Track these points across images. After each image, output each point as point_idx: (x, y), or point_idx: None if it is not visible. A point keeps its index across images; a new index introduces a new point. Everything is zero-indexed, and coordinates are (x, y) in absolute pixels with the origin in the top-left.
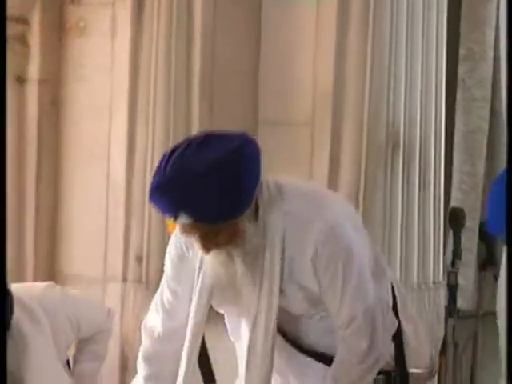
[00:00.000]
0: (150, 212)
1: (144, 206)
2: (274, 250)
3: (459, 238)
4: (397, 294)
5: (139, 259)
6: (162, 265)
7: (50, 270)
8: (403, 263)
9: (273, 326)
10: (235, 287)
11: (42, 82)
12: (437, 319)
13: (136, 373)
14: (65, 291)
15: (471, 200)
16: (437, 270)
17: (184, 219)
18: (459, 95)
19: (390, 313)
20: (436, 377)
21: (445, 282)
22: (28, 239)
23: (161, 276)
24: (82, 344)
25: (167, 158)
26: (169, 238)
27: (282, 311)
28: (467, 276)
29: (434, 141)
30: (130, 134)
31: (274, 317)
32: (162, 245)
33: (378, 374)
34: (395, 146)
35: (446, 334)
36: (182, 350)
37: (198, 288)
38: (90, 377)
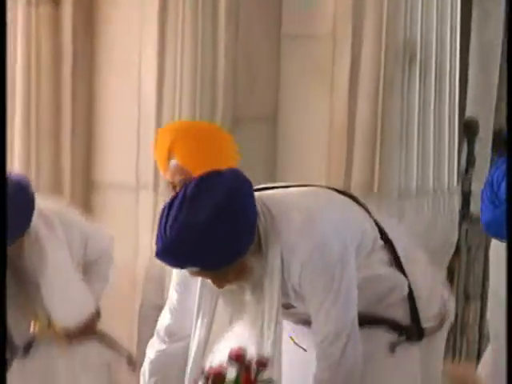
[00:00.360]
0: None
1: (174, 117)
2: (273, 277)
3: (473, 147)
4: (400, 252)
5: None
6: None
7: (86, 179)
8: (420, 170)
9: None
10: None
11: (76, 3)
12: (451, 224)
13: None
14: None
15: (485, 111)
16: (451, 176)
17: (193, 269)
18: (475, 9)
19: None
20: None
21: (459, 188)
22: (64, 150)
23: None
24: (87, 267)
25: (166, 217)
26: None
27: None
28: (480, 183)
29: (449, 53)
30: (161, 49)
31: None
32: None
33: (394, 330)
34: (412, 58)
35: (459, 238)
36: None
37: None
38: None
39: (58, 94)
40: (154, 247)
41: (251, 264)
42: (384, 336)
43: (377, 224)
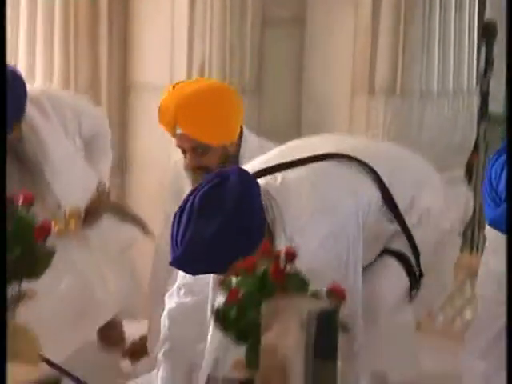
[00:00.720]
0: (212, 26)
1: (205, 20)
2: None
3: (491, 49)
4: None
5: (202, 67)
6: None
7: (123, 79)
8: (440, 72)
9: None
10: None
11: None
12: (470, 123)
13: None
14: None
15: (504, 14)
16: (471, 77)
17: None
18: None
19: None
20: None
21: (478, 89)
22: (102, 52)
23: None
24: (86, 145)
25: (177, 228)
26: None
27: None
28: (499, 83)
29: None
30: None
31: None
32: (222, 56)
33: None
34: None
35: (477, 137)
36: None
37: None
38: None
39: None
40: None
41: None
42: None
43: (381, 186)
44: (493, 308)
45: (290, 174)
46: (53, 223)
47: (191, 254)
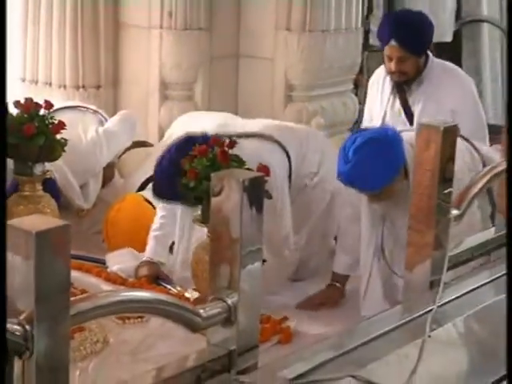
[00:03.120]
0: None
1: None
2: None
3: None
4: None
5: (170, 15)
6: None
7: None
8: (336, 14)
9: None
10: None
11: None
12: (356, 52)
13: None
14: None
15: None
16: (357, 18)
17: None
18: None
19: None
20: None
21: (362, 27)
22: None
23: None
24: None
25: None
26: None
27: None
28: (376, 24)
29: None
30: None
31: None
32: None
33: None
34: None
35: (362, 62)
36: None
37: None
38: None
39: None
40: None
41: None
42: None
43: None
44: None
45: None
46: None
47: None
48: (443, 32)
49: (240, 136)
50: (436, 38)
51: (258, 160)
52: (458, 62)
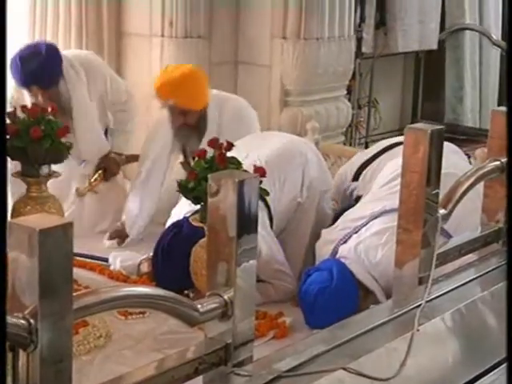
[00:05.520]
0: None
1: None
2: None
3: (364, 7)
4: None
5: (171, 24)
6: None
7: (117, 29)
8: (329, 23)
9: None
10: None
11: None
12: (349, 59)
13: None
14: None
15: None
16: (350, 27)
17: None
18: None
19: None
20: None
21: (354, 35)
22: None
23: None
24: (116, 106)
25: None
26: None
27: None
28: (368, 32)
29: None
30: None
31: None
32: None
33: None
34: None
35: (354, 69)
36: None
37: None
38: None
39: None
40: None
41: None
42: None
43: None
44: None
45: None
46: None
47: None
48: (430, 41)
49: None
50: (423, 47)
51: None
52: (442, 70)
